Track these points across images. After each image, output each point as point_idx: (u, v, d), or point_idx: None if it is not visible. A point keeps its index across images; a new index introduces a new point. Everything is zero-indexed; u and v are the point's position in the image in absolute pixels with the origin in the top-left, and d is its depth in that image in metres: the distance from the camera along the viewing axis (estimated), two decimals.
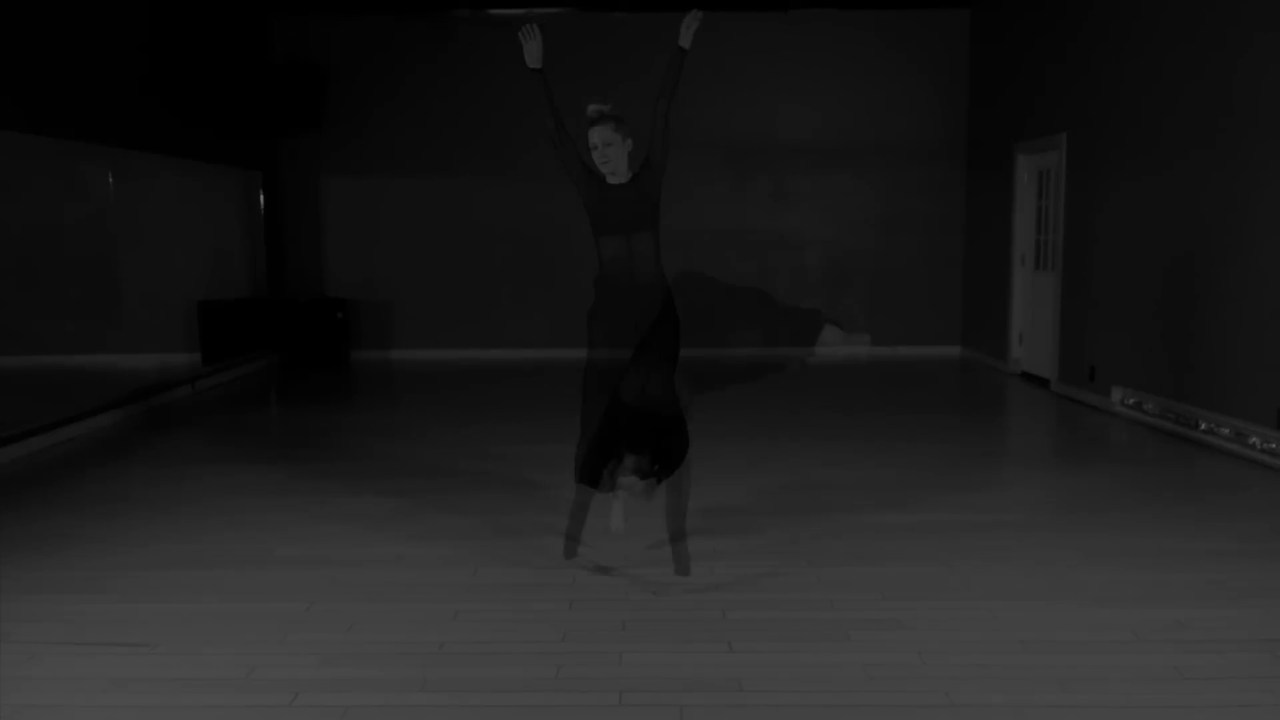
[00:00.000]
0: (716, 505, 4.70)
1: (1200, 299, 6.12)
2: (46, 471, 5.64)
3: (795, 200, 10.40)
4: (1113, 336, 7.15)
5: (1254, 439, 5.51)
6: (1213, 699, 2.79)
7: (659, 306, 3.74)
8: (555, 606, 3.50)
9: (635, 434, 3.72)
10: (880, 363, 9.94)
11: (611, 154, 3.73)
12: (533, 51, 3.84)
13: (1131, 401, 6.81)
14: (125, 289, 7.62)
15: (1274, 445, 5.35)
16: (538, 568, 3.89)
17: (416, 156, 10.36)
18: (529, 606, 3.50)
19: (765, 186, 10.38)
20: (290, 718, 2.73)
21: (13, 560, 4.02)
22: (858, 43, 10.21)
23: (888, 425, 6.78)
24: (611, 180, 3.76)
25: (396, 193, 10.44)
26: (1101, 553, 4.03)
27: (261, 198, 9.96)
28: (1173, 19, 6.40)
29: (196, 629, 3.33)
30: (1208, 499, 4.86)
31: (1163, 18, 6.52)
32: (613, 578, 3.78)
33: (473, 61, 10.21)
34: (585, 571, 3.84)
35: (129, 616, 3.44)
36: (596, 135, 3.75)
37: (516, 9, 9.98)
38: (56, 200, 6.98)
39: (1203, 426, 5.98)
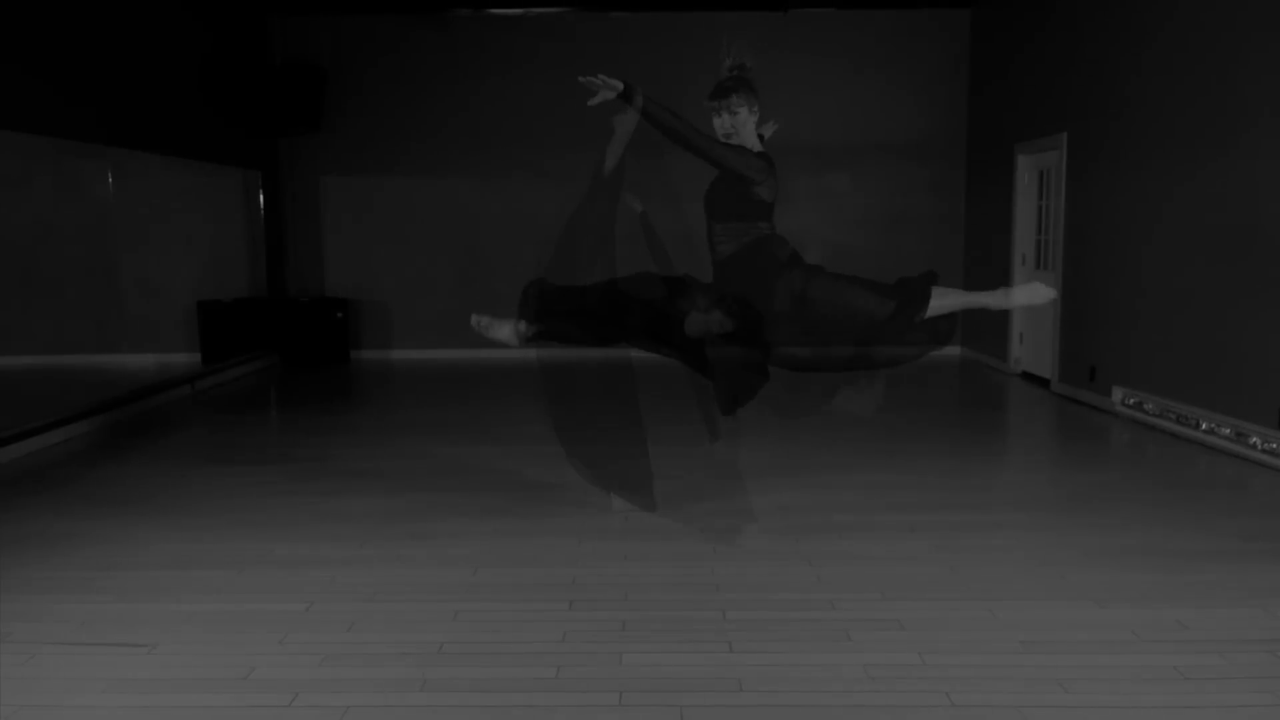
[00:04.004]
0: (716, 505, 4.70)
1: (1200, 298, 6.12)
2: (46, 471, 5.64)
3: (795, 200, 10.38)
4: (1113, 336, 7.15)
5: (1254, 439, 5.51)
6: (1213, 699, 2.79)
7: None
8: (555, 606, 3.50)
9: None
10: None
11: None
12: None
13: (1131, 401, 6.81)
14: (125, 289, 7.62)
15: (1274, 445, 5.35)
16: (538, 567, 3.89)
17: (417, 157, 10.36)
18: (529, 606, 3.50)
19: None
20: (290, 718, 2.73)
21: (13, 560, 4.01)
22: (858, 42, 10.21)
23: (888, 425, 6.78)
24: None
25: (397, 193, 10.43)
26: (1101, 553, 4.03)
27: (261, 198, 9.96)
28: (1173, 18, 6.40)
29: (196, 629, 3.33)
30: (1208, 499, 4.86)
31: (1163, 17, 6.51)
32: (613, 578, 3.78)
33: (473, 61, 10.21)
34: (585, 571, 3.85)
35: (129, 616, 3.43)
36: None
37: (516, 9, 9.98)
38: (56, 200, 6.98)
39: (1203, 426, 5.98)
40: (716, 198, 4.06)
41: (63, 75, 6.72)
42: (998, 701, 2.78)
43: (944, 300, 4.01)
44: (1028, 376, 8.72)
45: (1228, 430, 5.74)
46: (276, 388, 8.87)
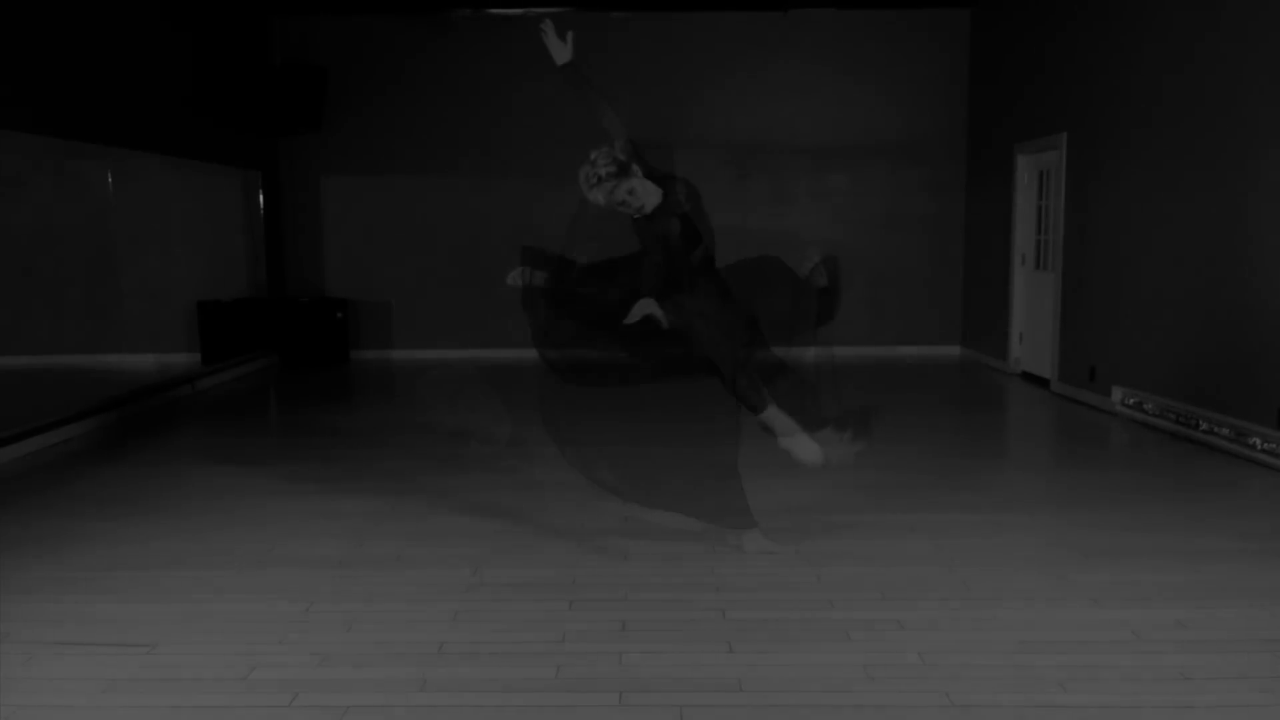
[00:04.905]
0: (717, 505, 4.69)
1: (1200, 298, 6.12)
2: (46, 471, 5.64)
3: (795, 200, 10.40)
4: (1113, 336, 7.15)
5: (1254, 439, 5.51)
6: (1213, 699, 2.79)
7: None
8: (555, 606, 3.50)
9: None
10: (880, 363, 9.94)
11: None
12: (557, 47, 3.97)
13: (1131, 401, 6.81)
14: (125, 289, 7.62)
15: (1274, 445, 5.35)
16: (538, 568, 3.89)
17: (417, 157, 10.36)
18: (529, 606, 3.50)
19: (765, 186, 10.37)
20: (290, 718, 2.73)
21: (13, 560, 4.01)
22: (858, 43, 10.21)
23: (888, 425, 6.77)
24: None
25: (396, 193, 10.43)
26: (1101, 553, 4.03)
27: (261, 198, 9.96)
28: (1173, 19, 6.40)
29: (196, 629, 3.33)
30: (1208, 499, 4.86)
31: (1163, 17, 6.52)
32: (613, 578, 3.78)
33: (473, 61, 10.21)
34: (585, 571, 3.84)
35: (129, 616, 3.44)
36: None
37: (516, 9, 9.98)
38: (56, 200, 6.98)
39: (1203, 426, 5.98)
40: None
41: (63, 75, 6.72)
42: (998, 701, 2.78)
43: (776, 419, 4.01)
44: (1027, 376, 8.72)
45: (1227, 430, 5.74)
46: (276, 388, 8.87)
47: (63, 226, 6.97)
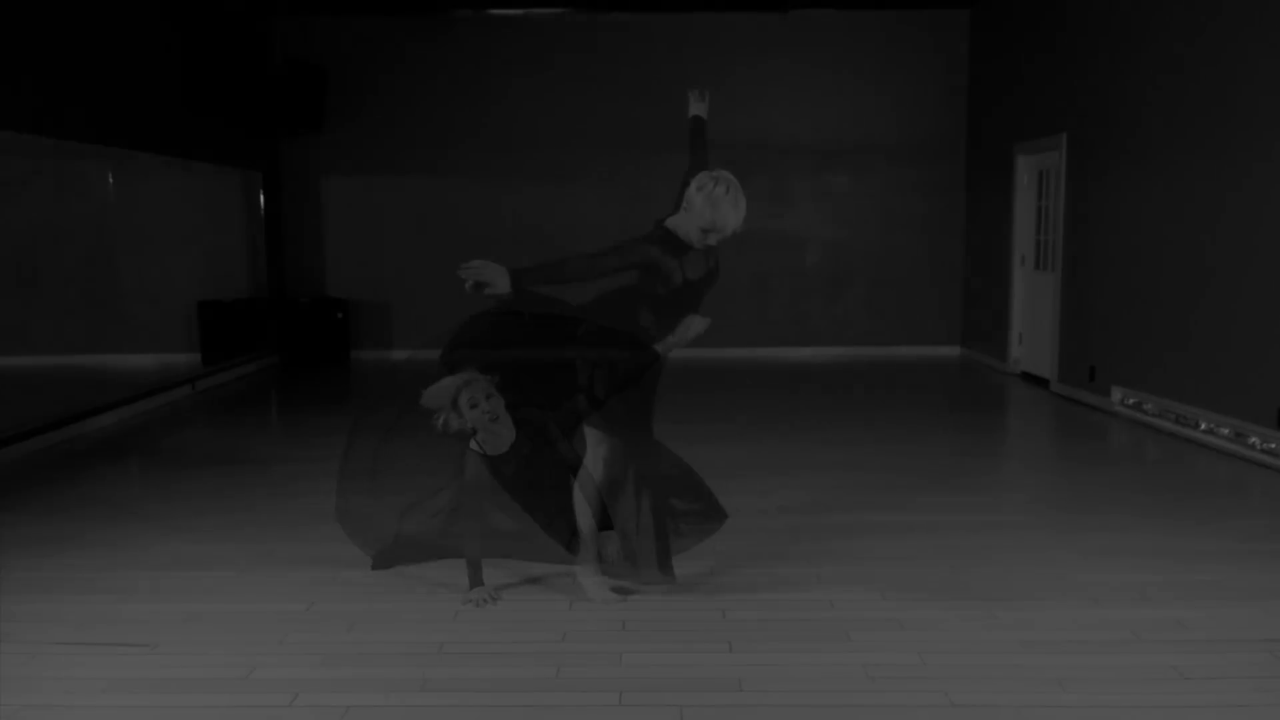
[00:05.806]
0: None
1: (1200, 299, 6.12)
2: (46, 471, 5.64)
3: (795, 201, 10.40)
4: (1113, 336, 7.15)
5: (1254, 439, 5.51)
6: (1213, 699, 2.79)
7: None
8: (555, 606, 3.50)
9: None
10: (880, 363, 9.94)
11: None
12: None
13: (1131, 401, 6.81)
14: (125, 289, 7.62)
15: (1274, 445, 5.35)
16: (538, 567, 3.89)
17: (417, 156, 10.36)
18: (529, 606, 3.50)
19: (765, 187, 10.36)
20: (290, 718, 2.73)
21: (13, 560, 4.01)
22: (857, 43, 10.21)
23: (888, 425, 6.78)
24: None
25: (396, 193, 10.43)
26: (1101, 553, 4.03)
27: (261, 198, 9.96)
28: (1173, 19, 6.40)
29: (196, 629, 3.33)
30: (1208, 499, 4.86)
31: (1163, 18, 6.52)
32: (612, 578, 3.77)
33: (473, 61, 10.21)
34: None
35: (129, 616, 3.43)
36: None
37: (516, 9, 9.98)
38: (56, 200, 6.98)
39: (1202, 426, 5.98)
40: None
41: (63, 76, 6.72)
42: (998, 701, 2.78)
43: (581, 509, 3.63)
44: (1027, 377, 8.72)
45: (1227, 430, 5.74)
46: (277, 388, 8.87)
47: (63, 226, 6.97)
